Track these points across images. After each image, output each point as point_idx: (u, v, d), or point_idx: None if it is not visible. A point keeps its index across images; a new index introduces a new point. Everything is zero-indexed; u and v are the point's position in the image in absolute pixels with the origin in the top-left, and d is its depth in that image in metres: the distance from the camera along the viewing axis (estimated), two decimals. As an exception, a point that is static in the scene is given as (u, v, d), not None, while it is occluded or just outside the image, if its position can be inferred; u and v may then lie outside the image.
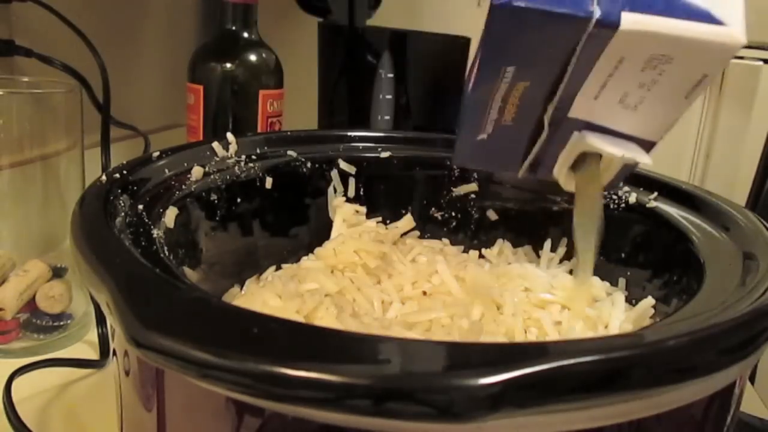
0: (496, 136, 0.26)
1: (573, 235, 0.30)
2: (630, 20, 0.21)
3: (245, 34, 0.58)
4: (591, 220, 0.28)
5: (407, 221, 0.39)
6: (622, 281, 0.33)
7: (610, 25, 0.21)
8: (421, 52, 0.59)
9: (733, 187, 0.69)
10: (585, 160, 0.27)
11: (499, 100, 0.24)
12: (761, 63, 0.68)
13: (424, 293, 0.32)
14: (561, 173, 0.27)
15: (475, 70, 0.24)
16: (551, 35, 0.22)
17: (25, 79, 0.44)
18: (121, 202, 0.27)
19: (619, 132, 0.25)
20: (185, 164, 0.32)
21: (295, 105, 0.65)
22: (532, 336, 0.30)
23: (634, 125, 0.24)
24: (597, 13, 0.21)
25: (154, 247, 0.25)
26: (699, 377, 0.18)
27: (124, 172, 0.29)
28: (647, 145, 0.25)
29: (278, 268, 0.36)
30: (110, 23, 0.61)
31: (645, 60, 0.22)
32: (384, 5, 0.68)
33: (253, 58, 0.58)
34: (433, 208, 0.41)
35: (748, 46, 0.68)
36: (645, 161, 0.25)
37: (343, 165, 0.38)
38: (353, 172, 0.39)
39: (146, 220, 0.27)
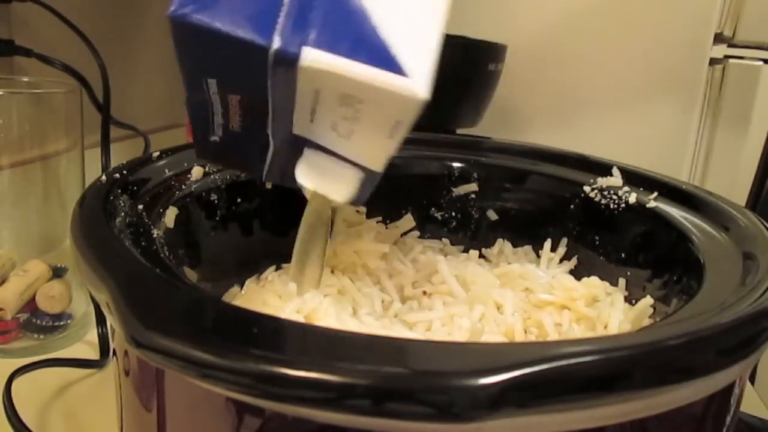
0: (228, 140, 0.25)
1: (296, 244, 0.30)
2: (309, 57, 0.20)
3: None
4: (315, 231, 0.29)
5: (407, 221, 0.39)
6: (622, 281, 0.33)
7: (289, 57, 0.20)
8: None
9: (733, 187, 0.69)
10: None
11: (219, 106, 0.23)
12: (761, 63, 0.68)
13: (425, 293, 0.32)
14: (301, 179, 0.26)
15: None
16: (235, 56, 0.21)
17: (25, 79, 0.44)
18: (121, 202, 0.27)
19: (342, 156, 0.24)
20: (185, 164, 0.32)
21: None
22: (532, 336, 0.30)
23: (353, 152, 0.24)
24: (276, 44, 0.20)
25: (154, 247, 0.25)
26: (699, 377, 0.18)
27: (124, 172, 0.29)
28: (371, 173, 0.24)
29: (278, 268, 0.36)
30: (110, 23, 0.61)
31: (339, 96, 0.21)
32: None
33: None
34: (433, 208, 0.41)
35: (747, 46, 0.68)
36: (336, 198, 0.24)
37: (343, 165, 0.38)
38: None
39: (146, 220, 0.27)
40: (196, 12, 0.20)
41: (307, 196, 0.27)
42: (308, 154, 0.24)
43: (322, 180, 0.24)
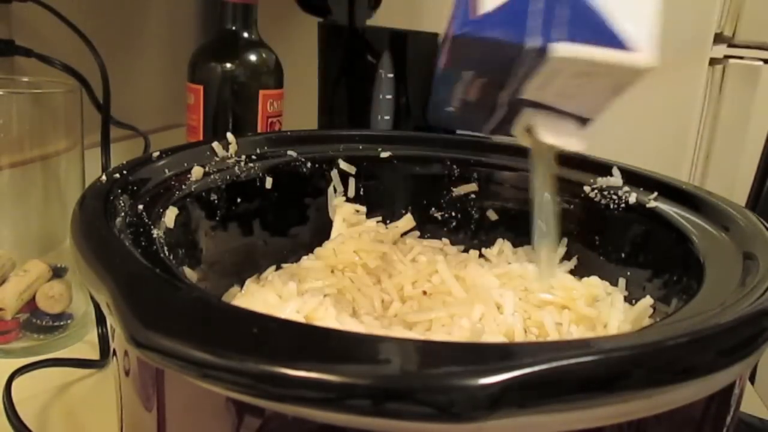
0: (463, 109, 0.32)
1: (530, 213, 0.32)
2: (557, 49, 0.25)
3: (245, 34, 0.58)
4: (545, 180, 0.32)
5: (407, 221, 0.39)
6: (622, 281, 0.33)
7: (541, 52, 0.26)
8: (421, 52, 0.59)
9: (733, 187, 0.69)
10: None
11: (463, 85, 0.30)
12: (761, 63, 0.68)
13: (425, 293, 0.32)
14: (518, 132, 0.31)
15: (443, 63, 0.30)
16: (495, 54, 0.26)
17: (25, 79, 0.44)
18: (121, 202, 0.27)
19: (561, 110, 0.30)
20: (185, 164, 0.32)
21: (295, 105, 0.65)
22: (532, 336, 0.30)
23: (574, 107, 0.29)
24: (532, 41, 0.25)
25: (154, 247, 0.25)
26: (699, 377, 0.18)
27: (124, 172, 0.29)
28: (585, 121, 0.30)
29: (278, 267, 0.36)
30: (110, 23, 0.61)
31: (575, 73, 0.26)
32: (384, 5, 0.68)
33: (253, 58, 0.58)
34: (433, 208, 0.41)
35: (747, 46, 0.68)
36: (575, 147, 0.30)
37: (343, 165, 0.38)
38: (353, 172, 0.39)
39: (146, 220, 0.27)
40: (475, 25, 0.26)
41: (527, 143, 0.32)
42: (530, 113, 0.30)
43: (558, 134, 0.30)
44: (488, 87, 0.29)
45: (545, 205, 0.32)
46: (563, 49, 0.25)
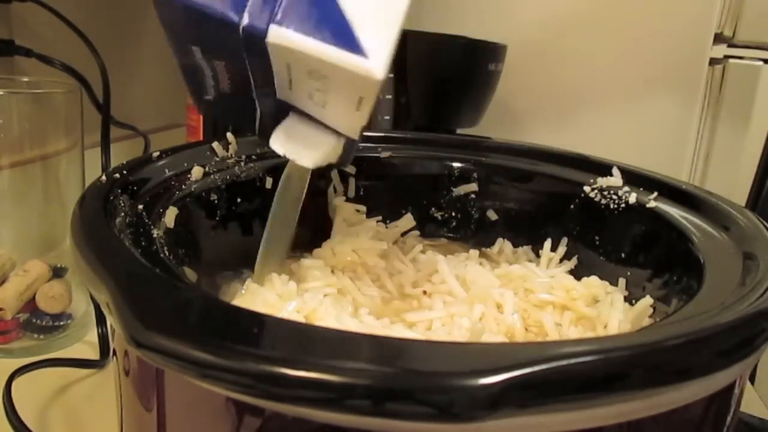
0: (221, 100, 0.27)
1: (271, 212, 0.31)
2: (275, 34, 0.22)
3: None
4: (294, 201, 0.30)
5: (407, 221, 0.39)
6: (622, 281, 0.33)
7: (257, 33, 0.22)
8: (421, 52, 0.59)
9: (733, 187, 0.69)
10: None
11: (208, 69, 0.25)
12: (761, 63, 0.68)
13: (425, 293, 0.32)
14: (273, 139, 0.27)
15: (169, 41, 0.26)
16: (212, 28, 0.22)
17: (25, 79, 0.44)
18: (121, 202, 0.27)
19: (319, 120, 0.26)
20: (185, 164, 0.32)
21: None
22: (532, 336, 0.30)
23: (330, 119, 0.25)
24: (245, 20, 0.22)
25: (154, 247, 0.25)
26: (699, 377, 0.18)
27: (124, 172, 0.29)
28: (349, 139, 0.26)
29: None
30: (110, 23, 0.61)
31: (307, 71, 0.23)
32: (384, 5, 0.68)
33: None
34: (433, 208, 0.41)
35: (747, 46, 0.68)
36: (303, 163, 0.26)
37: (343, 165, 0.38)
38: (353, 172, 0.39)
39: (146, 220, 0.27)
40: None
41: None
42: (292, 118, 0.26)
43: (293, 145, 0.26)
44: (234, 74, 0.25)
45: (289, 221, 0.30)
46: (280, 35, 0.22)
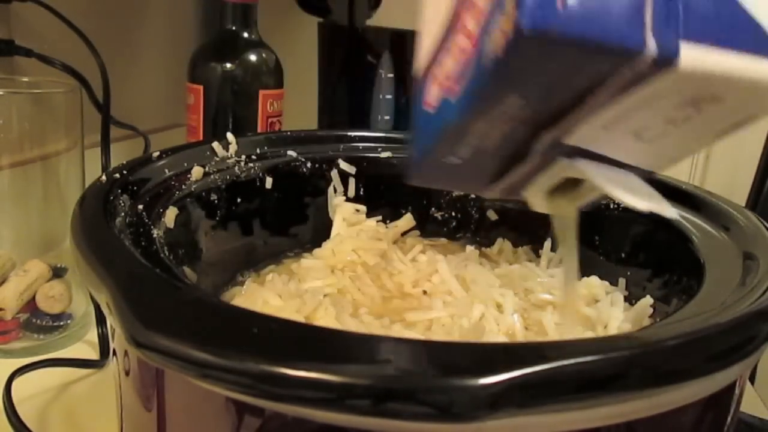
0: (472, 159, 0.21)
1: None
2: (691, 57, 0.16)
3: (245, 34, 0.58)
4: (571, 238, 0.25)
5: (407, 221, 0.39)
6: (622, 281, 0.33)
7: (665, 62, 0.16)
8: (421, 52, 0.59)
9: (733, 187, 0.69)
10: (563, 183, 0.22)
11: (486, 123, 0.19)
12: (761, 63, 0.68)
13: (425, 292, 0.32)
14: (536, 196, 0.23)
15: (458, 94, 0.18)
16: (583, 65, 0.16)
17: (25, 79, 0.44)
18: (121, 202, 0.27)
19: (612, 159, 0.20)
20: (185, 164, 0.32)
21: (295, 105, 0.65)
22: (532, 336, 0.30)
23: (637, 156, 0.20)
24: (652, 46, 0.15)
25: (154, 247, 0.25)
26: (698, 378, 0.18)
27: (124, 172, 0.29)
28: (642, 173, 0.21)
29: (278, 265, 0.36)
30: (110, 23, 0.61)
31: (687, 99, 0.17)
32: (384, 5, 0.68)
33: (253, 58, 0.58)
34: (433, 208, 0.41)
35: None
36: (669, 215, 0.20)
37: (343, 165, 0.38)
38: (353, 172, 0.39)
39: (146, 220, 0.27)
40: (558, 15, 0.15)
41: (541, 210, 0.24)
42: (561, 163, 0.20)
43: (646, 198, 0.20)
44: (522, 120, 0.18)
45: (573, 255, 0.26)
46: (698, 58, 0.16)
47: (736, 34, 0.16)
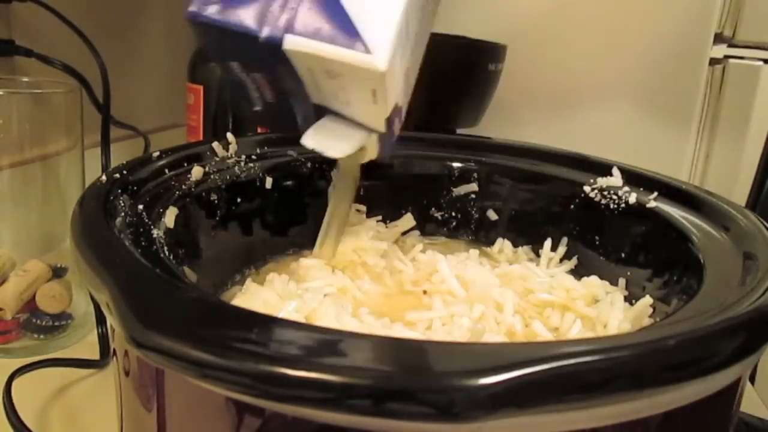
0: (268, 110, 0.29)
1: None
2: (290, 42, 0.24)
3: (245, 34, 0.58)
4: (348, 191, 0.33)
5: (407, 221, 0.39)
6: (622, 281, 0.33)
7: (276, 43, 0.24)
8: (421, 52, 0.59)
9: (733, 187, 0.69)
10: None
11: (251, 82, 0.27)
12: (761, 63, 0.68)
13: (425, 292, 0.32)
14: (305, 140, 0.29)
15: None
16: (241, 43, 0.24)
17: (25, 79, 0.44)
18: (121, 202, 0.27)
19: (350, 118, 0.28)
20: (185, 164, 0.32)
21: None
22: (532, 336, 0.30)
23: (357, 115, 0.28)
24: (265, 32, 0.24)
25: (154, 247, 0.25)
26: (699, 377, 0.18)
27: (124, 172, 0.29)
28: (380, 133, 0.29)
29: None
30: (110, 23, 0.61)
31: (324, 71, 0.25)
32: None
33: (253, 58, 0.58)
34: (433, 208, 0.41)
35: (747, 46, 0.68)
36: (332, 154, 0.28)
37: (343, 165, 0.38)
38: (353, 172, 0.39)
39: (146, 220, 0.27)
40: (205, 7, 0.24)
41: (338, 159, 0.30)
42: (326, 118, 0.28)
43: (322, 139, 0.28)
44: (274, 85, 0.27)
45: (342, 214, 0.33)
46: (294, 42, 0.24)
47: (329, 32, 0.24)
